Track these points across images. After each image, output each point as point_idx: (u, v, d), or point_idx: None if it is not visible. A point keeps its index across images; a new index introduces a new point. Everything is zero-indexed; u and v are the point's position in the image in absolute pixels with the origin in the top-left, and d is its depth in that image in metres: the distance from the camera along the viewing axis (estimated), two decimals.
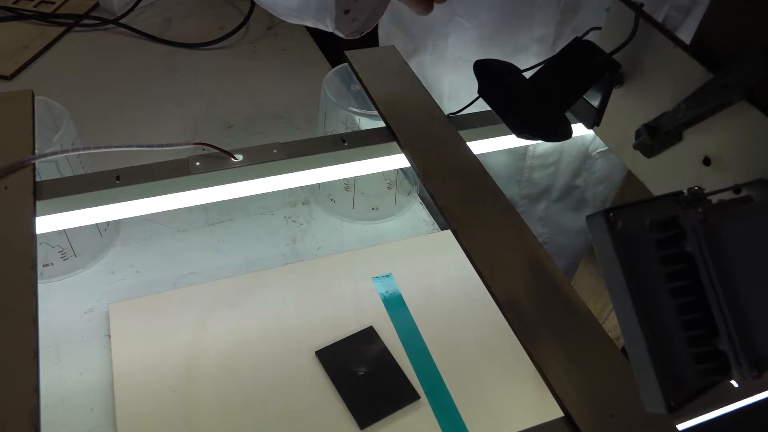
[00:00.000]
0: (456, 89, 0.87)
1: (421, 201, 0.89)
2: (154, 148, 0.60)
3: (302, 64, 1.16)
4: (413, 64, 0.90)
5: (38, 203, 0.56)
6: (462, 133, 0.67)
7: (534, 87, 0.47)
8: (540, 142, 0.86)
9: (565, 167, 0.91)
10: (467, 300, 0.74)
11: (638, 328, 0.34)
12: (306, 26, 1.27)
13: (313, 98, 0.83)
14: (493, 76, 0.48)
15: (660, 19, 0.82)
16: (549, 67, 0.48)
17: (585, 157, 0.92)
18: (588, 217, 0.35)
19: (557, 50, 0.49)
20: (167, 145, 0.60)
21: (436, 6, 0.78)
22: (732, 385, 0.49)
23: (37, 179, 0.59)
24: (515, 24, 0.76)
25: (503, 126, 0.51)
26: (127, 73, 1.09)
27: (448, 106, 0.84)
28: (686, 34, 0.82)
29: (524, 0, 0.73)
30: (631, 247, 0.34)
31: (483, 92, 0.49)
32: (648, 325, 0.34)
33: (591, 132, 0.54)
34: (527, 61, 0.50)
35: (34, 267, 0.51)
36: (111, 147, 0.59)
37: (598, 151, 0.92)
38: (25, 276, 0.50)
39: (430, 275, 0.78)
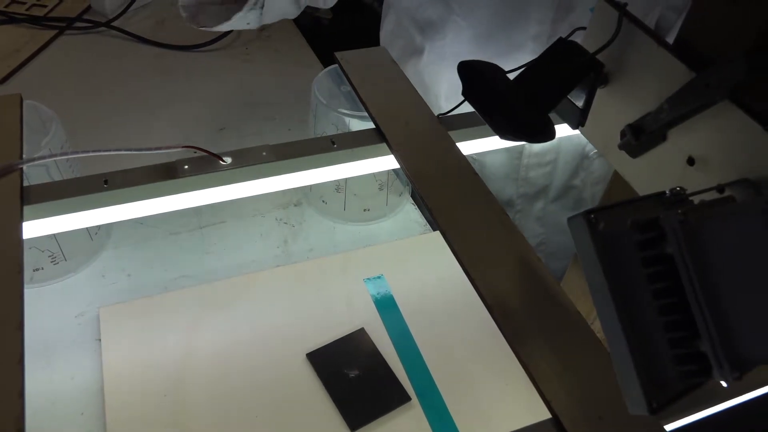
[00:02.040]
0: (455, 89, 0.87)
1: (413, 202, 0.89)
2: (143, 152, 0.60)
3: (295, 66, 1.16)
4: (412, 66, 0.90)
5: (26, 208, 0.56)
6: (452, 133, 0.67)
7: (518, 88, 0.47)
8: None
9: (562, 166, 0.91)
10: (459, 301, 0.74)
11: (620, 330, 0.34)
12: (299, 28, 1.27)
13: (306, 99, 0.82)
14: (476, 77, 0.48)
15: (654, 20, 0.81)
16: (533, 67, 0.48)
17: (582, 157, 0.92)
18: (569, 219, 0.35)
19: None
20: (155, 149, 0.60)
21: (433, 5, 0.77)
22: (721, 385, 0.49)
23: (27, 183, 0.59)
24: (511, 22, 0.76)
25: None
26: (119, 75, 1.09)
27: (446, 106, 0.84)
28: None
29: None
30: (612, 249, 0.34)
31: (467, 93, 0.49)
32: (629, 327, 0.34)
33: None
34: (523, 58, 0.50)
35: (20, 272, 0.51)
36: (98, 151, 0.58)
37: (596, 151, 0.92)
38: (11, 281, 0.50)
39: (422, 276, 0.78)
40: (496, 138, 0.69)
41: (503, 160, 0.89)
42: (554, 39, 0.78)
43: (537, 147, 0.87)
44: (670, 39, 0.43)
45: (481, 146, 0.70)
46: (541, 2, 0.74)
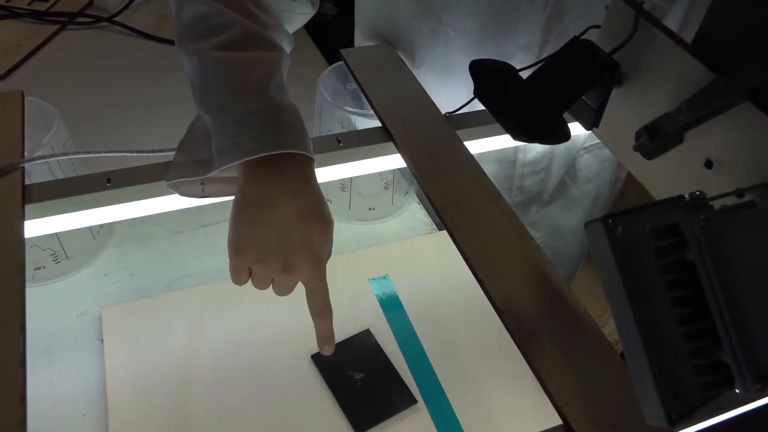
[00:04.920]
0: (446, 100, 0.85)
1: (418, 201, 0.88)
2: (145, 154, 0.59)
3: (300, 64, 1.14)
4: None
5: (28, 206, 0.55)
6: (459, 132, 0.66)
7: (531, 87, 0.46)
8: (531, 148, 0.84)
9: (556, 171, 0.90)
10: (465, 302, 0.73)
11: (638, 339, 0.33)
12: (304, 25, 1.26)
13: (309, 97, 0.81)
14: (489, 77, 0.47)
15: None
16: (547, 67, 0.47)
17: (573, 158, 0.91)
18: (586, 224, 0.34)
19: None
20: (158, 151, 0.59)
21: (424, 17, 0.75)
22: (736, 392, 0.48)
23: (29, 181, 0.58)
24: (500, 32, 0.74)
25: None
26: (121, 71, 1.08)
27: None
28: (672, 23, 0.80)
29: (509, 8, 0.71)
30: (630, 255, 0.33)
31: (479, 93, 0.48)
32: (648, 336, 0.33)
33: (580, 131, 0.52)
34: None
35: (22, 272, 0.50)
36: (101, 152, 0.57)
37: (584, 146, 0.90)
38: (12, 281, 0.49)
39: (428, 276, 0.77)
40: (504, 137, 0.69)
41: (497, 170, 0.88)
42: (544, 49, 0.77)
43: (531, 155, 0.86)
44: None
45: (488, 145, 0.70)
46: (530, 12, 0.72)
